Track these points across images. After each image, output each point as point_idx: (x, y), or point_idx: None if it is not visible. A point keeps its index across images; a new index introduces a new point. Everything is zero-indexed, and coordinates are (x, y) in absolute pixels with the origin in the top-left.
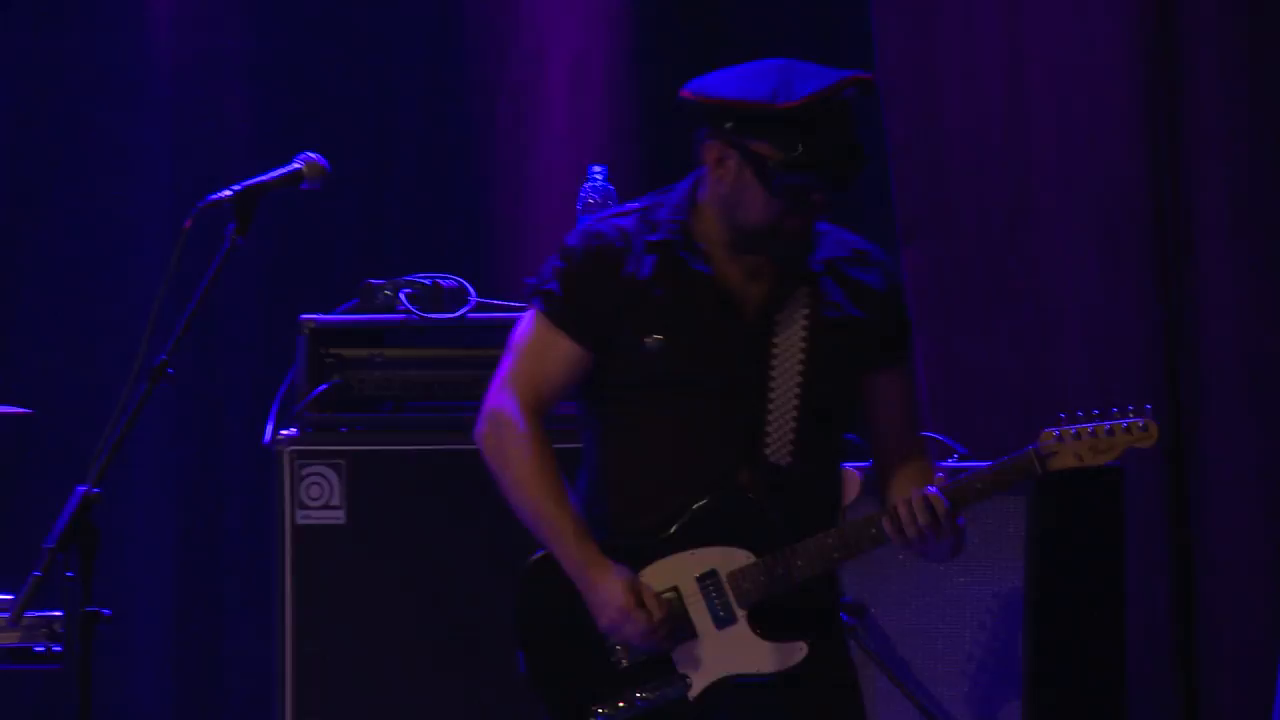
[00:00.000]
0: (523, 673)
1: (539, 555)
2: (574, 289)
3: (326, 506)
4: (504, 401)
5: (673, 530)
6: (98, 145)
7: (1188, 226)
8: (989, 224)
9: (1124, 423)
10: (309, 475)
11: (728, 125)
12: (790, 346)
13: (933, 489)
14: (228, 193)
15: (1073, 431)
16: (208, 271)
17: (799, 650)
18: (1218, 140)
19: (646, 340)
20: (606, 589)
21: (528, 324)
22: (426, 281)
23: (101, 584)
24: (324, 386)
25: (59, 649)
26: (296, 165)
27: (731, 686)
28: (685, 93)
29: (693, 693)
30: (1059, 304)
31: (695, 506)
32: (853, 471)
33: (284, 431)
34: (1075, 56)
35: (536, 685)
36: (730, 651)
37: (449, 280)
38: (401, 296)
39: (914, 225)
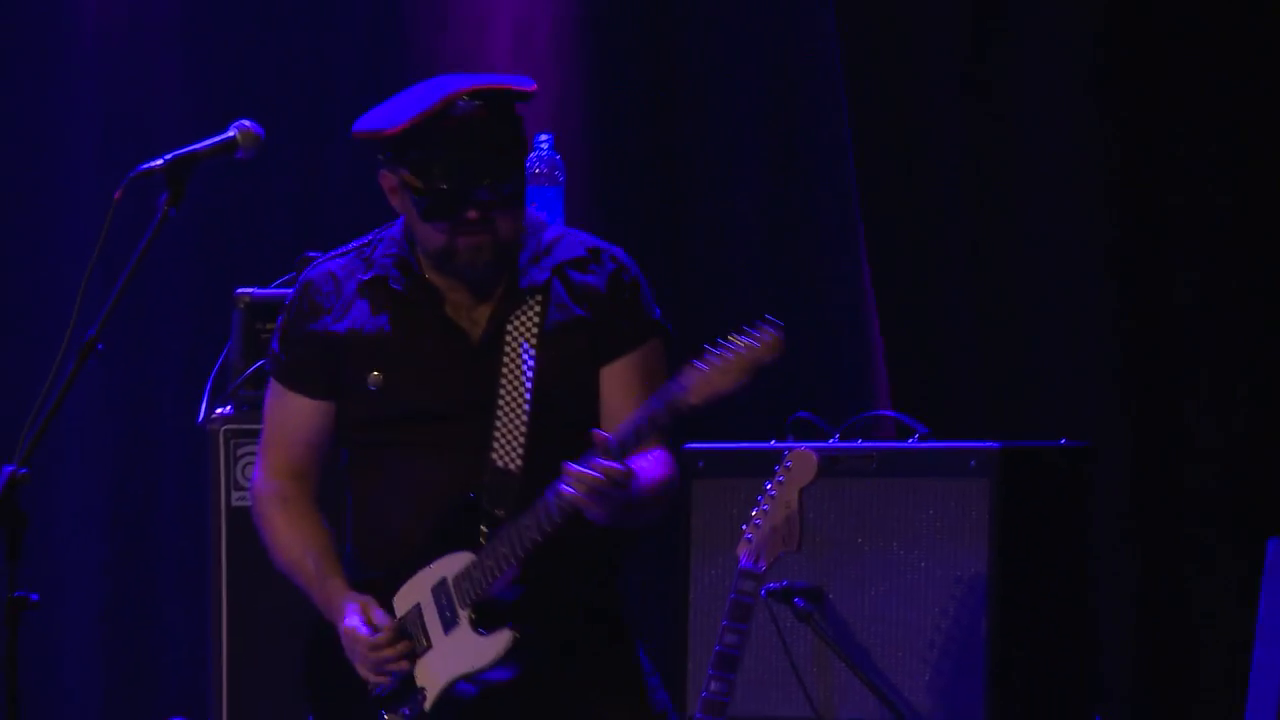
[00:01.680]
0: None
1: (315, 616)
2: (290, 345)
3: None
4: (256, 471)
5: (410, 552)
6: (21, 112)
7: (1163, 191)
8: (955, 189)
9: (752, 341)
10: (244, 455)
11: (382, 156)
12: (519, 358)
13: (597, 437)
14: (159, 162)
15: (712, 360)
16: (139, 244)
17: (504, 639)
18: (1195, 103)
19: (370, 377)
20: (340, 617)
21: (268, 389)
22: None
23: (28, 568)
24: (261, 363)
25: None
26: (231, 133)
27: (464, 689)
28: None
29: (427, 704)
30: (1029, 276)
31: (423, 524)
32: (809, 452)
33: (218, 410)
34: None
35: None
36: (454, 654)
37: None
38: None
39: (874, 190)
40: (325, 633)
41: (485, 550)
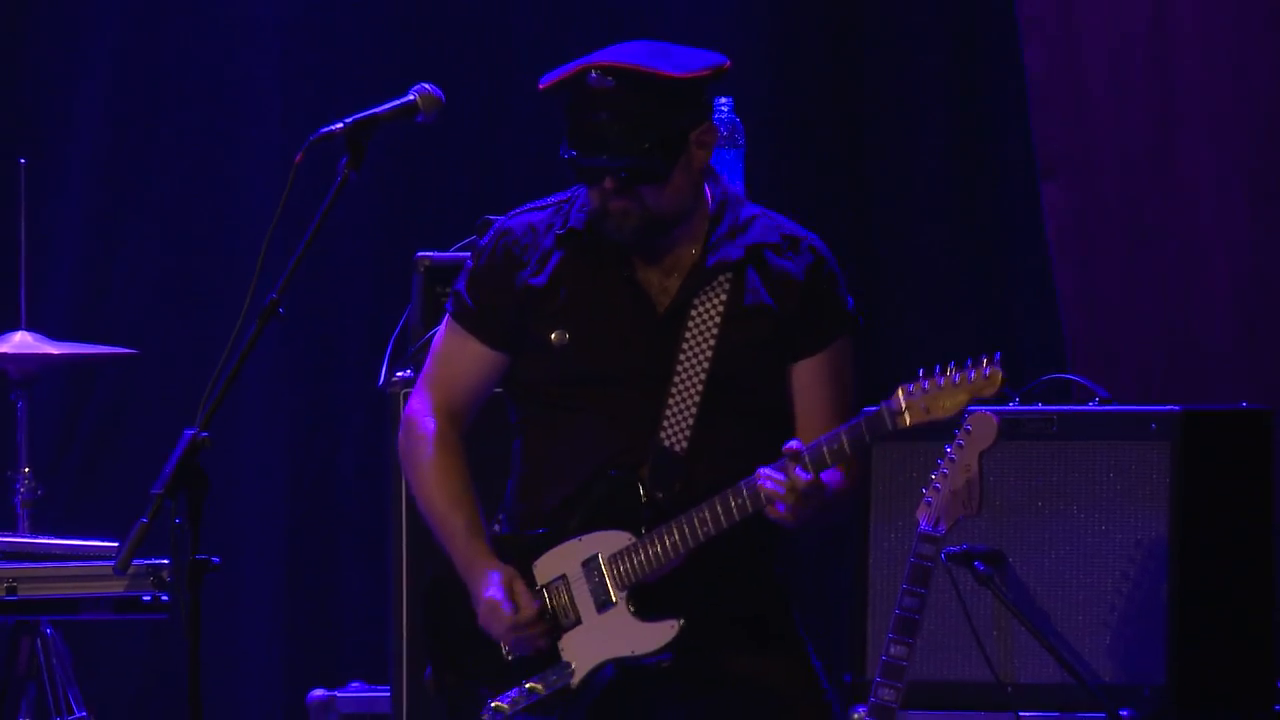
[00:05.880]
0: (427, 680)
1: (441, 566)
2: (479, 290)
3: None
4: (415, 405)
5: (563, 520)
6: (204, 76)
7: None
8: (1131, 159)
9: (970, 373)
10: None
11: None
12: (702, 336)
13: (792, 448)
14: (340, 125)
15: (924, 386)
16: (319, 207)
17: (670, 629)
18: None
19: (553, 336)
20: (482, 585)
21: (442, 326)
22: None
23: (210, 531)
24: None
25: (166, 598)
26: (411, 97)
27: (616, 671)
28: None
29: (574, 680)
30: (1205, 243)
31: (581, 494)
32: (990, 416)
33: (399, 373)
34: None
35: (440, 691)
36: (609, 635)
37: None
38: None
39: (1053, 161)
40: (449, 584)
41: (649, 536)
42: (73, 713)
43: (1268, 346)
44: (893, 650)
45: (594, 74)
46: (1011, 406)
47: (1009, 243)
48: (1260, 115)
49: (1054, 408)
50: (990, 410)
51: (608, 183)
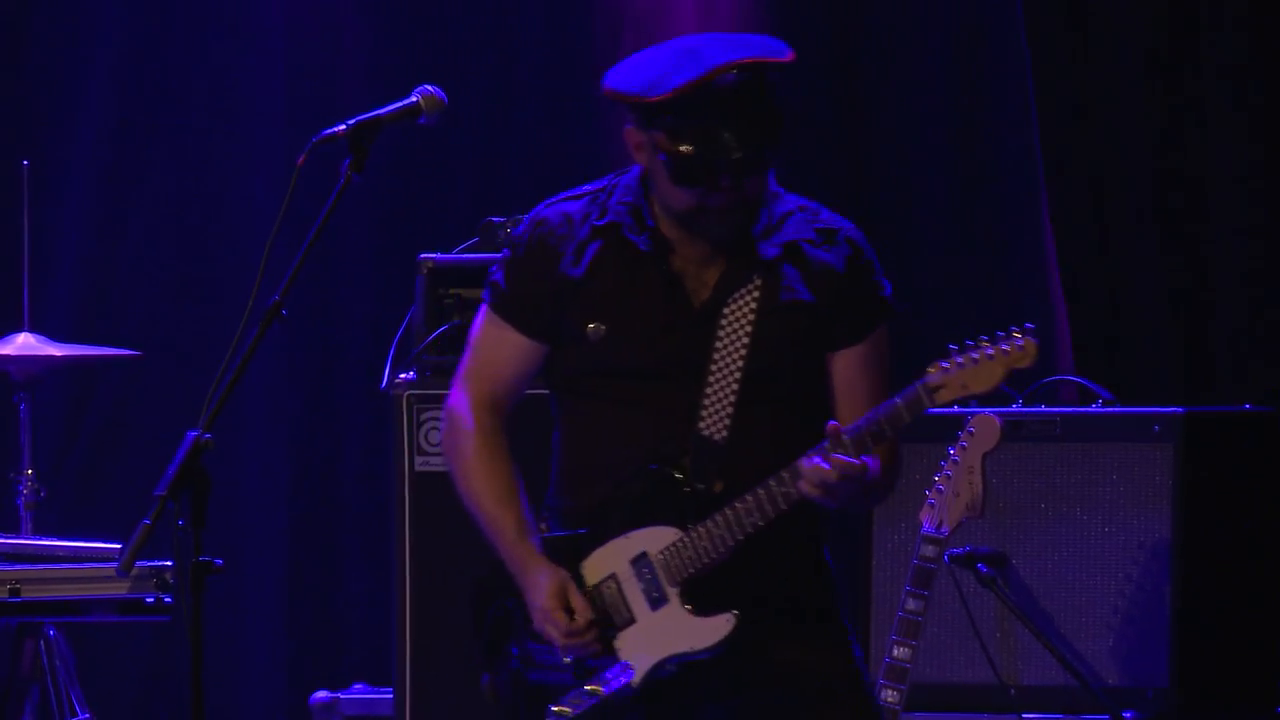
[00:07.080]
0: (485, 686)
1: (492, 565)
2: (517, 280)
3: None
4: (457, 399)
5: (607, 517)
6: (207, 78)
7: None
8: (1140, 151)
9: (1004, 346)
10: (428, 420)
11: (632, 114)
12: (737, 330)
13: (833, 428)
14: (343, 127)
15: (958, 361)
16: (323, 209)
17: (726, 623)
18: None
19: (589, 328)
20: (535, 590)
21: (479, 317)
22: None
23: (213, 533)
24: (444, 328)
25: (169, 600)
26: (414, 99)
27: (675, 668)
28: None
29: (635, 680)
30: (1209, 242)
31: (624, 490)
32: (993, 418)
33: (402, 375)
34: None
35: (498, 697)
36: (665, 632)
37: None
38: None
39: (1061, 155)
40: (495, 583)
41: (698, 530)
42: (76, 715)
43: (1271, 347)
44: (896, 652)
45: (733, 74)
46: (1015, 408)
47: (1009, 243)
48: (1275, 113)
49: (1057, 409)
50: (993, 412)
51: (724, 181)
